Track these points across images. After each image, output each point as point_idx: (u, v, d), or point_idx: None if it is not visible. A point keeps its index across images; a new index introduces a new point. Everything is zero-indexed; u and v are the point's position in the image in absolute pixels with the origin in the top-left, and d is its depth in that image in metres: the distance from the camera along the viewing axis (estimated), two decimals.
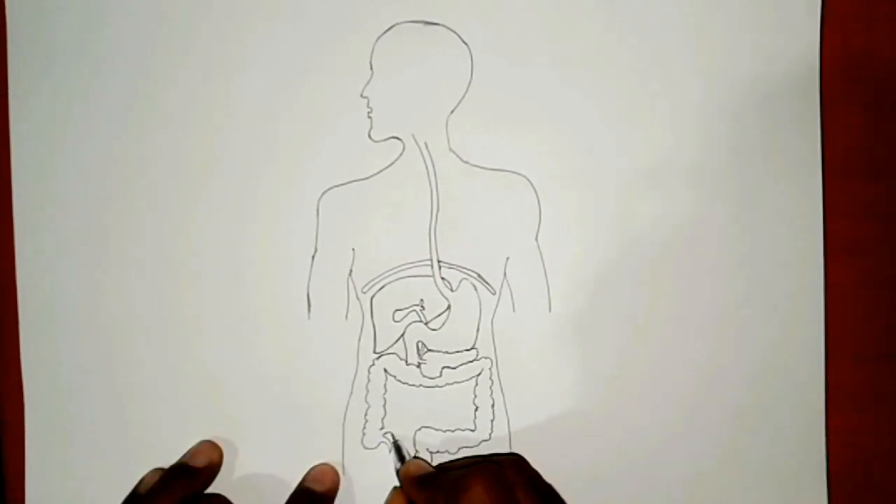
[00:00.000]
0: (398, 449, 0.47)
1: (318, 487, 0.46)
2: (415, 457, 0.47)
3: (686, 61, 0.48)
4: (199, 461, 0.46)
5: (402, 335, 0.48)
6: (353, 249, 0.47)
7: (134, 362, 0.48)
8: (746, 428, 0.47)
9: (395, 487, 0.46)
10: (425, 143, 0.47)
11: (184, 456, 0.47)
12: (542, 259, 0.47)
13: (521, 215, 0.47)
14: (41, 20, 0.48)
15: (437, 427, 0.47)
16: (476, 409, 0.47)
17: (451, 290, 0.47)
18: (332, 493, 0.46)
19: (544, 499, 0.42)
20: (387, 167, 0.47)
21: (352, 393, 0.47)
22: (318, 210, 0.47)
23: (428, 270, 0.47)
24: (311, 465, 0.47)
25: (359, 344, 0.48)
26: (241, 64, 0.48)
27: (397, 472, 0.46)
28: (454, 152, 0.47)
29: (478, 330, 0.47)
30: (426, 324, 0.47)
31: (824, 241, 0.48)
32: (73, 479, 0.48)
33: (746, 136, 0.48)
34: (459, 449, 0.47)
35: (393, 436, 0.47)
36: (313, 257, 0.47)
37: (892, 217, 0.49)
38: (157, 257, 0.48)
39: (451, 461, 0.47)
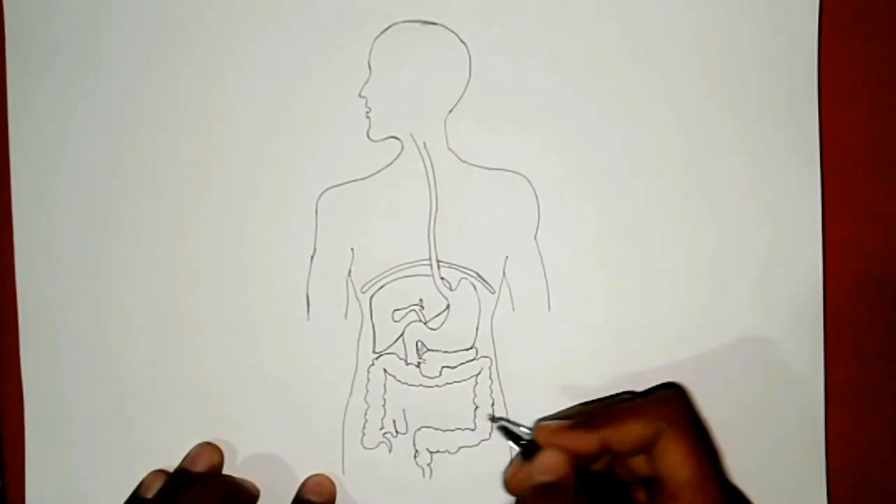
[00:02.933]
0: (504, 428, 0.45)
1: (316, 499, 0.46)
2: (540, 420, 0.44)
3: (686, 61, 0.48)
4: (200, 465, 0.46)
5: (402, 335, 0.48)
6: (352, 249, 0.48)
7: (133, 362, 0.48)
8: (746, 428, 0.47)
9: (540, 450, 0.40)
10: (424, 143, 0.47)
11: (184, 460, 0.46)
12: (541, 258, 0.47)
13: (519, 214, 0.47)
14: (41, 20, 0.48)
15: (436, 427, 0.47)
16: (476, 409, 0.47)
17: (451, 290, 0.47)
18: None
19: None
20: (385, 167, 0.48)
21: (351, 393, 0.47)
22: (316, 210, 0.47)
23: (427, 270, 0.47)
24: (309, 473, 0.47)
25: (358, 344, 0.48)
26: (239, 64, 0.48)
27: (522, 443, 0.43)
28: (453, 152, 0.47)
29: (477, 329, 0.47)
30: (425, 323, 0.47)
31: (824, 241, 0.48)
32: (73, 479, 0.48)
33: (746, 136, 0.48)
34: (459, 449, 0.47)
35: (492, 415, 0.46)
36: (312, 257, 0.47)
37: (892, 217, 0.49)
38: (156, 257, 0.48)
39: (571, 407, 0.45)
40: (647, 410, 0.40)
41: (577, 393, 0.47)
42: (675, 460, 0.38)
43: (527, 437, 0.43)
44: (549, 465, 0.39)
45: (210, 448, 0.47)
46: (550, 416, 0.46)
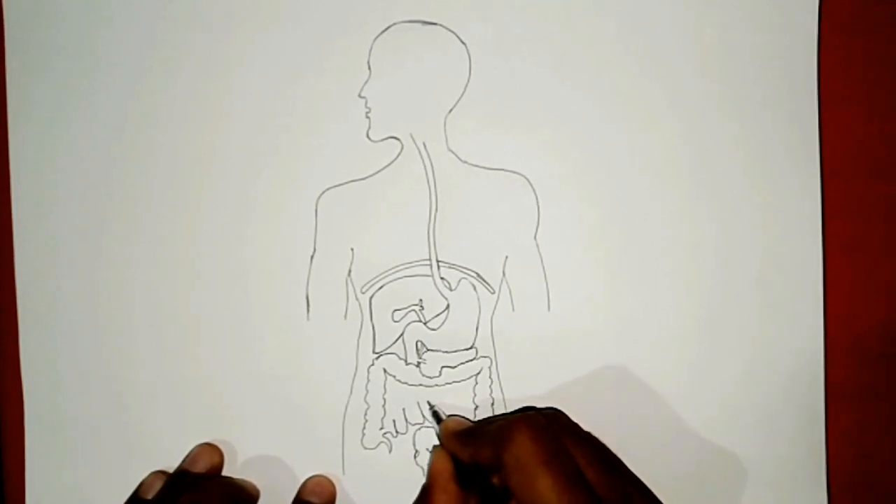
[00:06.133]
0: (435, 414, 0.46)
1: (315, 500, 0.46)
2: (452, 415, 0.46)
3: (686, 61, 0.48)
4: (200, 466, 0.46)
5: (402, 335, 0.48)
6: (352, 249, 0.48)
7: (133, 363, 0.48)
8: (746, 428, 0.47)
9: (435, 446, 0.45)
10: (423, 143, 0.47)
11: (184, 461, 0.46)
12: (540, 258, 0.47)
13: (519, 214, 0.47)
14: (40, 20, 0.48)
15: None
16: (476, 409, 0.47)
17: (450, 290, 0.47)
18: None
19: (590, 446, 0.41)
20: (385, 167, 0.48)
21: (351, 393, 0.47)
22: (316, 210, 0.47)
23: (427, 270, 0.47)
24: (309, 473, 0.47)
25: (358, 344, 0.48)
26: (239, 64, 0.48)
27: (438, 435, 0.46)
28: (452, 152, 0.47)
29: (477, 329, 0.47)
30: (425, 323, 0.47)
31: (824, 241, 0.48)
32: (73, 479, 0.48)
33: (746, 136, 0.48)
34: None
35: (430, 402, 0.47)
36: (312, 258, 0.47)
37: (892, 217, 0.49)
38: (156, 257, 0.48)
39: (491, 416, 0.47)
40: (490, 435, 0.41)
41: (577, 393, 0.47)
42: (514, 484, 0.38)
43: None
44: (434, 462, 0.43)
45: (210, 449, 0.47)
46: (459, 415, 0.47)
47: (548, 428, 0.40)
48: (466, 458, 0.42)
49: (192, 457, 0.46)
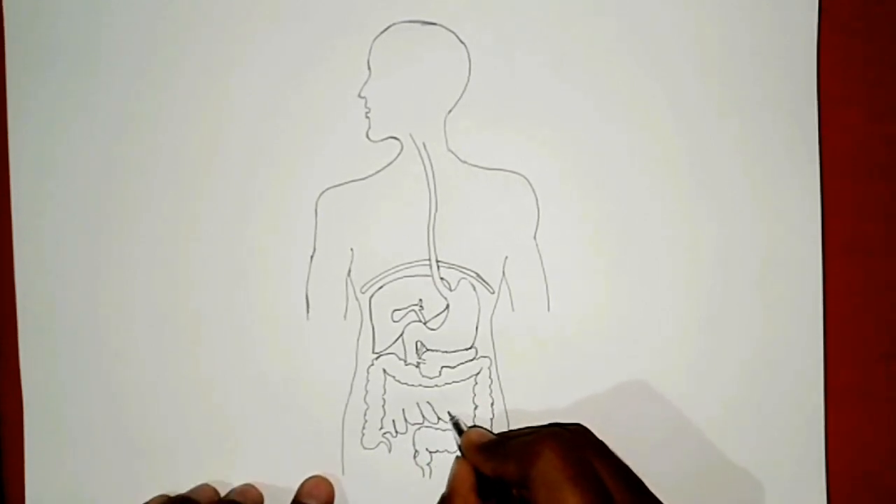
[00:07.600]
0: (456, 424, 0.46)
1: (313, 502, 0.46)
2: (474, 426, 0.46)
3: (686, 61, 0.48)
4: (203, 497, 0.45)
5: (401, 335, 0.48)
6: (352, 249, 0.48)
7: (133, 362, 0.48)
8: (746, 428, 0.47)
9: (457, 457, 0.45)
10: (423, 143, 0.47)
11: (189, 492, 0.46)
12: (540, 258, 0.47)
13: (519, 215, 0.47)
14: (40, 20, 0.48)
15: (436, 427, 0.47)
16: (475, 409, 0.47)
17: (450, 290, 0.47)
18: None
19: (615, 465, 0.40)
20: (385, 167, 0.48)
21: (351, 393, 0.47)
22: (316, 210, 0.48)
23: (426, 270, 0.47)
24: (308, 473, 0.47)
25: (357, 344, 0.48)
26: (239, 64, 0.48)
27: (459, 446, 0.45)
28: (452, 152, 0.47)
29: (476, 329, 0.47)
30: (425, 323, 0.47)
31: (824, 241, 0.48)
32: (72, 479, 0.48)
33: (745, 136, 0.48)
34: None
35: (450, 413, 0.47)
36: (312, 257, 0.47)
37: (892, 217, 0.49)
38: (155, 258, 0.48)
39: (514, 430, 0.47)
40: (516, 451, 0.41)
41: (577, 393, 0.47)
42: (540, 501, 0.38)
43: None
44: (456, 474, 0.44)
45: (211, 489, 0.47)
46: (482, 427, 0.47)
47: (575, 445, 0.40)
48: (489, 471, 0.42)
49: (194, 489, 0.46)
